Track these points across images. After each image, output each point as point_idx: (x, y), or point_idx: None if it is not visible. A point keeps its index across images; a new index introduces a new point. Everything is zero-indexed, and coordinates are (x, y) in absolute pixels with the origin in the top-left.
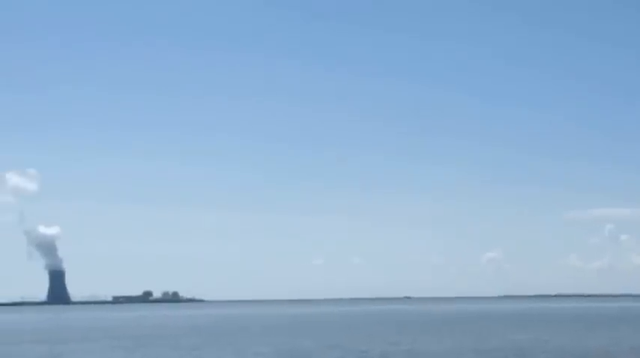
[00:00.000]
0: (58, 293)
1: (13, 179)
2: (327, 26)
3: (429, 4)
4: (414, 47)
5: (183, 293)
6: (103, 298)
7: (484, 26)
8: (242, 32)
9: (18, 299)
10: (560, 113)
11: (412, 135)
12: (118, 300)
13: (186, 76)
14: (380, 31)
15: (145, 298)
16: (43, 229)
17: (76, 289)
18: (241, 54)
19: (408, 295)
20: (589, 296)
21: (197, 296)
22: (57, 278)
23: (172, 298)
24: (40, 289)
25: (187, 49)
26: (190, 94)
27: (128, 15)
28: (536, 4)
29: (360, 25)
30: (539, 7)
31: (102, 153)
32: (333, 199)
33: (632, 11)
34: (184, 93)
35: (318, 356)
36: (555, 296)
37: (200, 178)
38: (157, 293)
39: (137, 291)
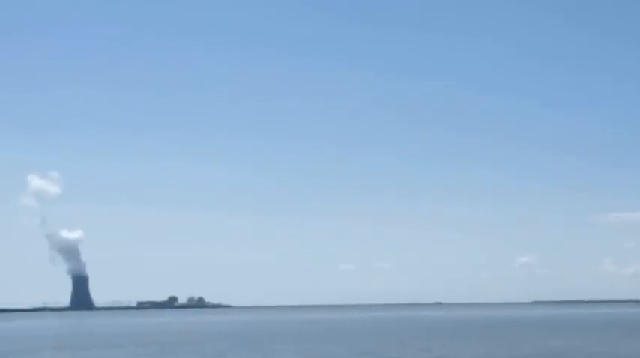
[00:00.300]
0: (81, 298)
1: (35, 181)
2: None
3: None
4: (449, 46)
5: (210, 299)
6: (127, 304)
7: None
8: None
9: (40, 305)
10: (595, 115)
11: (444, 137)
12: (142, 306)
13: (211, 77)
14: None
15: (171, 303)
16: (65, 233)
17: (99, 294)
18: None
19: (439, 300)
20: (624, 301)
21: (223, 302)
22: (80, 284)
23: (198, 303)
24: (62, 294)
25: (213, 50)
26: (217, 95)
27: (144, 16)
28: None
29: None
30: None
31: (126, 156)
32: (363, 203)
33: None
34: (209, 94)
35: None
36: (589, 301)
37: (227, 182)
38: (182, 299)
39: (162, 297)
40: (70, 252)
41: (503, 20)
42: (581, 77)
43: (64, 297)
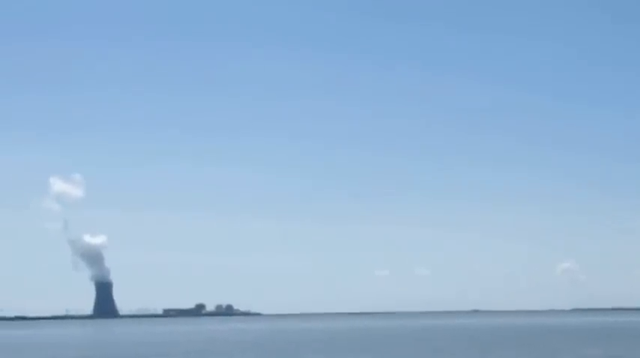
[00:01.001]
0: (104, 305)
1: (57, 184)
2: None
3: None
4: (483, 44)
5: (238, 306)
6: (152, 311)
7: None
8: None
9: (62, 313)
10: (637, 121)
11: (483, 140)
12: (168, 313)
13: (240, 78)
14: (456, 29)
15: (198, 311)
16: (88, 238)
17: (124, 302)
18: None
19: (476, 308)
20: None
21: (252, 310)
22: (104, 290)
23: (226, 311)
24: (85, 301)
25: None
26: (246, 97)
27: (171, 14)
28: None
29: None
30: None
31: (151, 159)
32: (397, 208)
33: None
34: (237, 96)
35: None
36: (631, 309)
37: (257, 187)
38: (210, 307)
39: (189, 304)
40: (93, 257)
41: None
42: (626, 78)
43: (88, 304)
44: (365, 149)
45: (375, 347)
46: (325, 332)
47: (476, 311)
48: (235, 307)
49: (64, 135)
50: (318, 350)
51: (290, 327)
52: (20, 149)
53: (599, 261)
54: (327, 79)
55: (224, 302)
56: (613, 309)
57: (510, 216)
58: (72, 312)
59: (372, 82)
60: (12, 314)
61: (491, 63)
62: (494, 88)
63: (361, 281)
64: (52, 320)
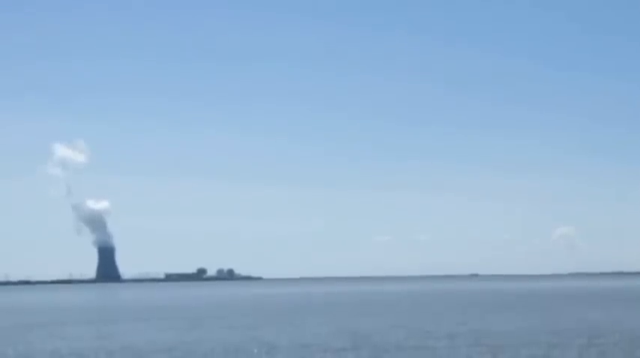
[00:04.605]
0: (107, 270)
1: (61, 150)
2: None
3: None
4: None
5: (239, 271)
6: (154, 276)
7: None
8: None
9: (66, 277)
10: (636, 85)
11: (482, 106)
12: (170, 278)
13: (245, 45)
14: None
15: (199, 276)
16: (91, 203)
17: (126, 266)
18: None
19: (475, 272)
20: None
21: (254, 274)
22: (106, 255)
23: (227, 276)
24: (88, 266)
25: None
26: (250, 64)
27: None
28: None
29: None
30: None
31: (153, 124)
32: (398, 174)
33: None
34: (242, 62)
35: (382, 336)
36: (629, 273)
37: (258, 152)
38: (211, 271)
39: (191, 269)
40: (96, 222)
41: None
42: (632, 46)
43: (91, 269)
44: (365, 115)
45: (376, 311)
46: (325, 296)
47: (475, 275)
48: (236, 271)
49: (66, 102)
50: (318, 313)
51: (290, 291)
52: (23, 116)
53: (596, 226)
54: (330, 47)
55: (225, 267)
56: (609, 273)
57: (509, 181)
58: (75, 277)
59: (371, 50)
60: (17, 279)
61: (491, 30)
62: (493, 55)
63: (362, 246)
64: (55, 285)
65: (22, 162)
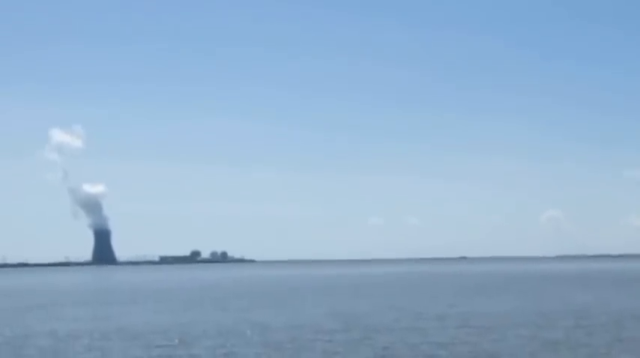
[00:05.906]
0: (103, 253)
1: (58, 135)
2: None
3: None
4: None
5: (233, 254)
6: (149, 258)
7: None
8: None
9: (62, 260)
10: (620, 71)
11: (473, 91)
12: (165, 260)
13: (241, 29)
14: None
15: (193, 258)
16: (88, 187)
17: (121, 249)
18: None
19: (464, 255)
20: None
21: (247, 257)
22: (102, 238)
23: (221, 258)
24: (85, 249)
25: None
26: (245, 48)
27: None
28: None
29: None
30: None
31: (150, 110)
32: (390, 157)
33: None
34: (236, 46)
35: (374, 317)
36: (615, 256)
37: (251, 136)
38: (205, 254)
39: (185, 251)
40: (92, 206)
41: None
42: (613, 32)
43: (87, 252)
44: (358, 99)
45: (366, 293)
46: (318, 279)
47: (463, 258)
48: (230, 254)
49: (63, 88)
50: (311, 295)
51: (284, 274)
52: (21, 101)
53: (583, 210)
54: (325, 33)
55: (219, 249)
56: (597, 256)
57: (498, 165)
58: (72, 259)
59: (364, 36)
60: (14, 262)
61: (478, 15)
62: (485, 41)
63: (354, 229)
64: (52, 267)
65: (19, 147)
